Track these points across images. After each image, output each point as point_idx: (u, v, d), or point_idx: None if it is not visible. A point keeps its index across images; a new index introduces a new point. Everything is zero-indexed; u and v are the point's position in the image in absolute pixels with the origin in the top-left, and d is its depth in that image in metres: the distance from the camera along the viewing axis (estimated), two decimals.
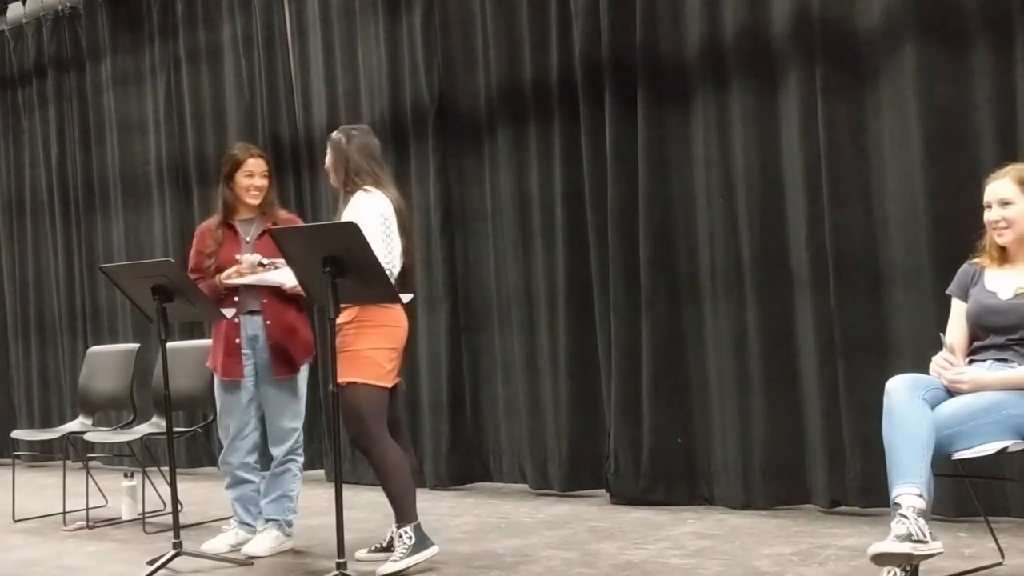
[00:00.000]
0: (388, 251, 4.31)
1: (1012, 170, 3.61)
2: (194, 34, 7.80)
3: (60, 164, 8.76)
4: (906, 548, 3.11)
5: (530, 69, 6.04)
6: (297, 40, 7.25)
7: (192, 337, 7.23)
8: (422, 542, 4.35)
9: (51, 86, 8.76)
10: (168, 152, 7.99)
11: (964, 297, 3.70)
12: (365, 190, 4.46)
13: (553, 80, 5.94)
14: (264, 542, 4.82)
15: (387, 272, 4.13)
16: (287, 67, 7.33)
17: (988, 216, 3.62)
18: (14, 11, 8.91)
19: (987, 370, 3.52)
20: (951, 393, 3.46)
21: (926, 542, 3.14)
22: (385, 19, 6.67)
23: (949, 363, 3.50)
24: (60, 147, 8.75)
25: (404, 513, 4.36)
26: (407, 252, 4.48)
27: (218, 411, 4.99)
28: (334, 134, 4.68)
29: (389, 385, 4.42)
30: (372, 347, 4.36)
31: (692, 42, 5.40)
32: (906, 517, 3.15)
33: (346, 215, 4.39)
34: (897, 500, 3.20)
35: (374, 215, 4.34)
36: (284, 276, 4.60)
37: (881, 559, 3.16)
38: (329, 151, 4.64)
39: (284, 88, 7.34)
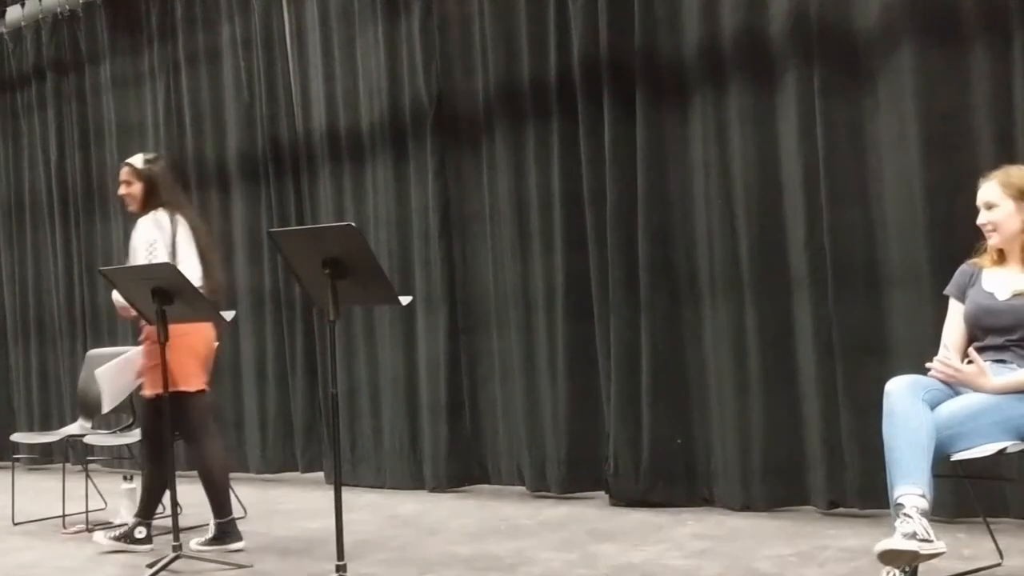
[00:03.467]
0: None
1: (999, 172, 3.65)
2: (193, 36, 7.80)
3: (59, 166, 8.75)
4: (913, 546, 3.12)
5: (528, 70, 6.04)
6: (296, 42, 7.25)
7: None
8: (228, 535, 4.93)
9: (50, 88, 8.74)
10: (167, 155, 7.98)
11: (962, 298, 3.71)
12: (152, 213, 4.95)
13: (551, 81, 5.94)
14: None
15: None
16: (286, 69, 7.33)
17: (978, 219, 3.65)
18: (12, 14, 8.90)
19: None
20: (951, 393, 3.47)
21: (931, 541, 3.15)
22: (384, 21, 6.67)
23: (951, 366, 3.50)
24: (59, 149, 8.74)
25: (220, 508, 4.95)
26: (210, 271, 4.97)
27: None
28: (137, 163, 5.10)
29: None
30: None
31: (690, 43, 5.41)
32: (911, 517, 3.16)
33: (134, 237, 4.97)
34: (900, 500, 3.21)
35: (147, 238, 4.88)
36: None
37: (888, 556, 3.16)
38: (133, 179, 5.07)
39: (283, 90, 7.34)
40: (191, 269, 4.83)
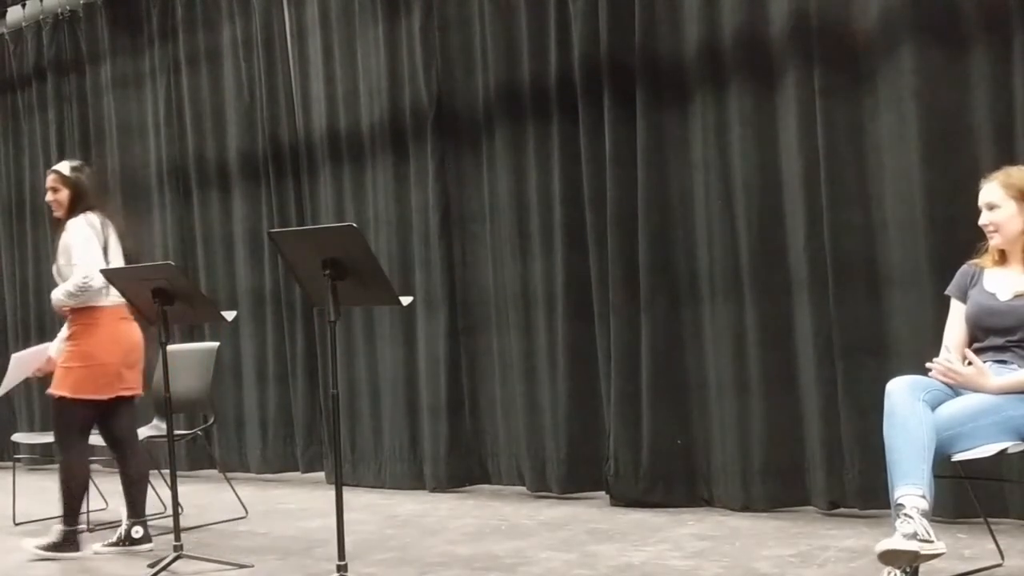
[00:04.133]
0: (87, 263, 4.87)
1: (1000, 173, 3.65)
2: (194, 37, 7.80)
3: None
4: (913, 546, 3.12)
5: (529, 71, 6.05)
6: (296, 42, 7.25)
7: (193, 340, 7.25)
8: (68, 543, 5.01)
9: (51, 89, 8.74)
10: (168, 155, 7.99)
11: (963, 298, 3.71)
12: (82, 215, 5.02)
13: (552, 82, 5.95)
14: None
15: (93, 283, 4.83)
16: (287, 70, 7.33)
17: (980, 220, 3.65)
18: (13, 14, 8.91)
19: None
20: (952, 394, 3.47)
21: (932, 542, 3.15)
22: (384, 21, 6.67)
23: (951, 368, 3.50)
24: (60, 150, 8.72)
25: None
26: None
27: None
28: (64, 171, 5.16)
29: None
30: None
31: (691, 44, 5.41)
32: (911, 517, 3.16)
33: (64, 237, 5.00)
34: (900, 501, 3.21)
35: (82, 234, 4.95)
36: None
37: (888, 556, 3.16)
38: (59, 186, 5.11)
39: (284, 91, 7.34)
40: None
